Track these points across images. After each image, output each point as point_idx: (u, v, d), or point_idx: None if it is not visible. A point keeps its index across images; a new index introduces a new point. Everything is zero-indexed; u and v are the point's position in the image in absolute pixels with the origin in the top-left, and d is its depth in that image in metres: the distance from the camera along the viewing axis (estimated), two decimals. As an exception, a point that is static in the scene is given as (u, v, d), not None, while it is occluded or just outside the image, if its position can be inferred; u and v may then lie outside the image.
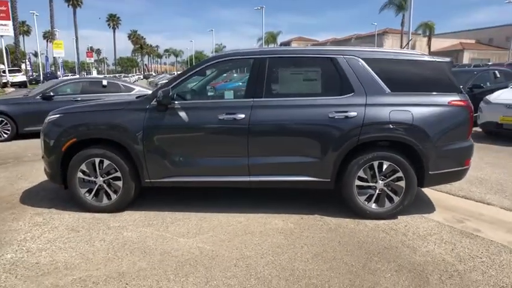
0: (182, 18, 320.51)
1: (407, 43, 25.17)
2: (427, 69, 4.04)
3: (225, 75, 14.46)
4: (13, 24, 22.95)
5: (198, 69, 4.20)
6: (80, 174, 4.10)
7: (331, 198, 4.49)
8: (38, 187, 5.23)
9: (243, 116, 3.88)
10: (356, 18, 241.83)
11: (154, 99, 3.95)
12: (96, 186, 4.13)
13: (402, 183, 3.90)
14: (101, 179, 4.10)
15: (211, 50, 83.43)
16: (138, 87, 10.55)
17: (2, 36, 21.39)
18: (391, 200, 3.96)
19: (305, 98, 3.97)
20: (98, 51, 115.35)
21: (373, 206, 3.97)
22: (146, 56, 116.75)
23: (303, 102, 3.93)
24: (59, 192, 4.83)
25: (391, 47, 30.68)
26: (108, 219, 4.00)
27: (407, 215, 4.05)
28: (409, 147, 3.85)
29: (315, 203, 4.40)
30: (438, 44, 55.92)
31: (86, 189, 4.15)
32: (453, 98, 3.93)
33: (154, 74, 72.67)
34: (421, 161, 3.86)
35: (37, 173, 5.90)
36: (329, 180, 3.93)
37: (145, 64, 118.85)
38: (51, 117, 4.28)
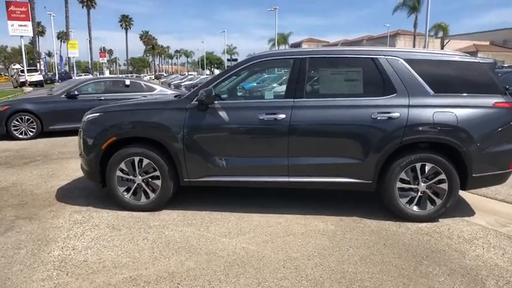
0: (192, 20, 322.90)
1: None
2: (469, 71, 3.97)
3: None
4: (31, 25, 23.27)
5: (238, 69, 4.19)
6: (118, 173, 4.11)
7: (367, 200, 4.44)
8: (71, 185, 5.26)
9: (283, 116, 3.85)
10: (365, 20, 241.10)
11: (195, 99, 3.94)
12: (135, 185, 4.13)
13: (445, 186, 3.83)
14: (140, 177, 4.10)
15: (221, 51, 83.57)
16: (159, 87, 10.62)
17: (22, 36, 21.73)
18: (433, 202, 3.89)
19: (346, 99, 3.93)
20: (110, 52, 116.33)
21: (415, 208, 3.91)
22: (157, 57, 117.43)
23: (344, 103, 3.89)
24: (93, 190, 4.87)
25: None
26: (147, 218, 4.00)
27: (448, 218, 3.98)
28: (453, 149, 3.78)
29: (352, 205, 4.36)
30: (451, 45, 55.12)
31: (125, 188, 4.15)
32: (498, 100, 3.86)
33: (165, 74, 73.19)
34: (464, 163, 3.79)
35: (67, 171, 5.95)
36: (370, 182, 3.88)
37: (157, 64, 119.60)
38: (90, 116, 4.30)
